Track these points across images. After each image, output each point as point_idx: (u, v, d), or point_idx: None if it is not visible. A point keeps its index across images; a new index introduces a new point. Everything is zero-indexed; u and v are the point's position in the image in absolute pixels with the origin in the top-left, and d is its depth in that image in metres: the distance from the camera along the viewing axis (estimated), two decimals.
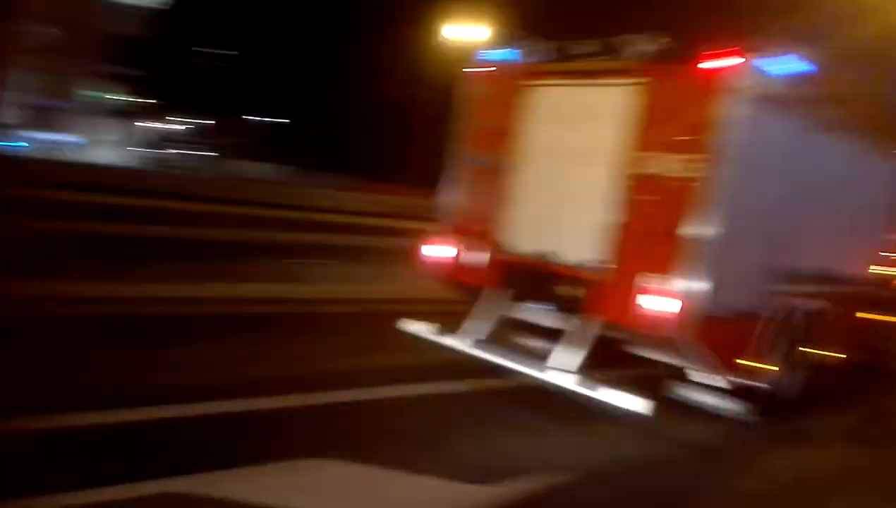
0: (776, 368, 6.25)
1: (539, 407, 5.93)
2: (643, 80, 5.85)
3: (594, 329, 5.84)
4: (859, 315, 8.02)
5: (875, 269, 8.24)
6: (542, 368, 5.86)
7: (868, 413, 7.60)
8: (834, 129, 6.65)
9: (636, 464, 5.17)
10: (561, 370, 5.69)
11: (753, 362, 5.98)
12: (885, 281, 8.42)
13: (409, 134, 35.39)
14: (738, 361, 5.85)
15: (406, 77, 35.80)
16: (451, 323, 6.58)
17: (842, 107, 6.75)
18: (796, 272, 6.50)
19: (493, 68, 6.98)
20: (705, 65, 5.49)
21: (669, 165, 5.61)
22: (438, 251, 7.03)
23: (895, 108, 8.43)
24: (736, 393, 5.95)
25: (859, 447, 6.43)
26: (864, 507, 5.10)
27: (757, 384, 6.06)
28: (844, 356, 7.49)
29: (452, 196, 7.12)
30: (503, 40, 7.08)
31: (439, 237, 7.06)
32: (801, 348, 6.67)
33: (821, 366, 7.05)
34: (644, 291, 5.47)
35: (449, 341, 6.45)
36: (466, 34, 34.39)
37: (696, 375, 5.90)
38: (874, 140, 7.56)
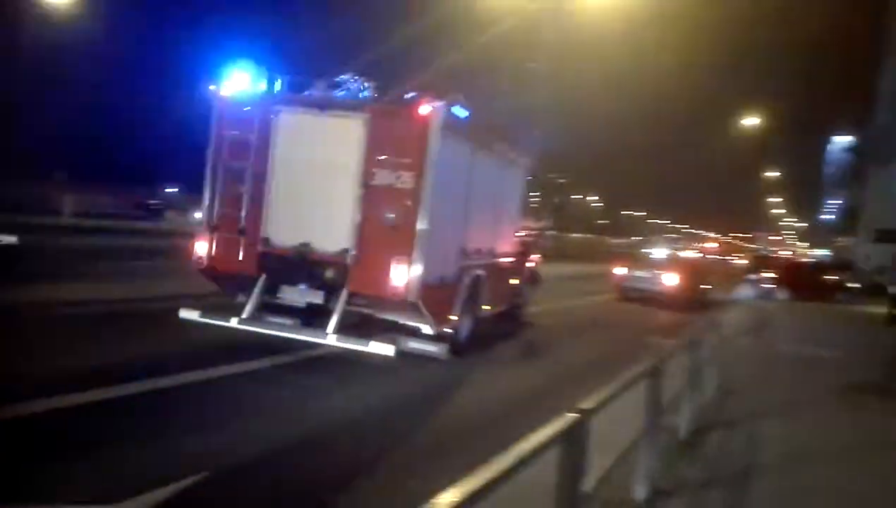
0: (458, 318, 9.22)
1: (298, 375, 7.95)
2: (369, 115, 8.18)
3: (345, 299, 8.05)
4: (508, 279, 11.68)
5: (512, 246, 11.97)
6: (307, 333, 7.90)
7: (518, 344, 11.37)
8: (486, 151, 9.89)
9: (347, 418, 6.46)
10: (323, 331, 7.78)
11: (453, 315, 8.87)
12: (517, 254, 12.24)
13: None
14: (446, 316, 8.66)
15: None
16: (225, 310, 8.18)
17: (488, 135, 10.04)
18: (472, 251, 9.59)
19: (241, 91, 8.62)
20: (418, 108, 8.04)
21: (392, 178, 8.07)
22: (202, 248, 8.47)
23: (514, 136, 12.31)
24: (440, 338, 8.72)
25: (524, 363, 10.14)
26: (542, 400, 8.25)
27: (451, 331, 8.95)
28: (499, 308, 11.02)
29: (212, 200, 8.59)
30: (247, 70, 8.68)
31: (202, 235, 8.50)
32: (474, 304, 9.82)
33: (486, 316, 10.38)
34: (383, 269, 7.86)
35: (222, 322, 8.01)
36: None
37: (420, 329, 8.52)
38: (507, 157, 11.14)
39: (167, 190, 60.41)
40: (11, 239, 13.15)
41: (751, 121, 41.75)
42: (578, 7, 24.01)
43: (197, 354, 7.74)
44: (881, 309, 21.57)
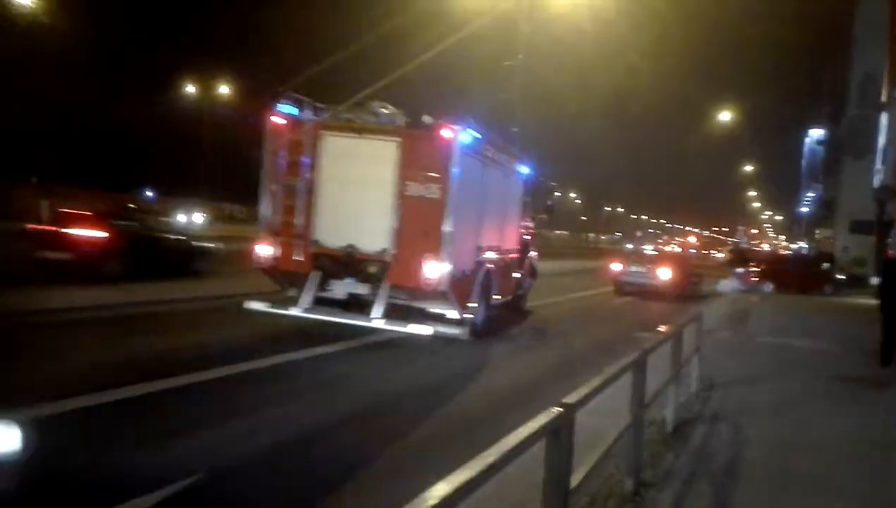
0: (476, 306, 11.37)
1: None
2: (401, 138, 10.29)
3: (387, 291, 10.15)
4: (512, 272, 13.87)
5: (514, 243, 14.15)
6: (359, 318, 9.99)
7: (525, 329, 13.58)
8: (492, 163, 12.06)
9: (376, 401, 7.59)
10: (371, 317, 9.89)
11: (472, 303, 11.02)
12: (519, 250, 14.43)
13: None
14: (468, 304, 10.80)
15: None
16: (285, 301, 10.29)
17: (494, 150, 12.20)
18: (484, 248, 11.75)
19: (290, 120, 10.68)
20: (441, 132, 10.16)
21: (423, 190, 10.18)
22: (265, 250, 10.53)
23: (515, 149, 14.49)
24: (463, 323, 10.82)
25: (533, 344, 12.25)
26: (547, 361, 10.41)
27: (471, 316, 11.09)
28: (506, 298, 13.21)
29: (269, 209, 10.65)
30: (293, 99, 10.76)
31: (264, 240, 10.56)
32: (487, 293, 11.97)
33: (495, 304, 12.56)
34: (418, 264, 9.97)
35: (286, 311, 10.08)
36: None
37: (446, 315, 10.63)
38: (508, 166, 13.33)
39: (145, 193, 61.93)
40: (220, 245, 17.23)
41: (725, 116, 44.21)
42: (549, 7, 25.68)
43: (268, 341, 9.83)
44: (868, 301, 20.70)
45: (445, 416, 7.26)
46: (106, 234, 14.66)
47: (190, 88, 59.49)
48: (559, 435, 3.08)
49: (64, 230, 14.29)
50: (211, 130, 56.30)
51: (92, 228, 14.51)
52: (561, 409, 3.10)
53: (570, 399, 3.29)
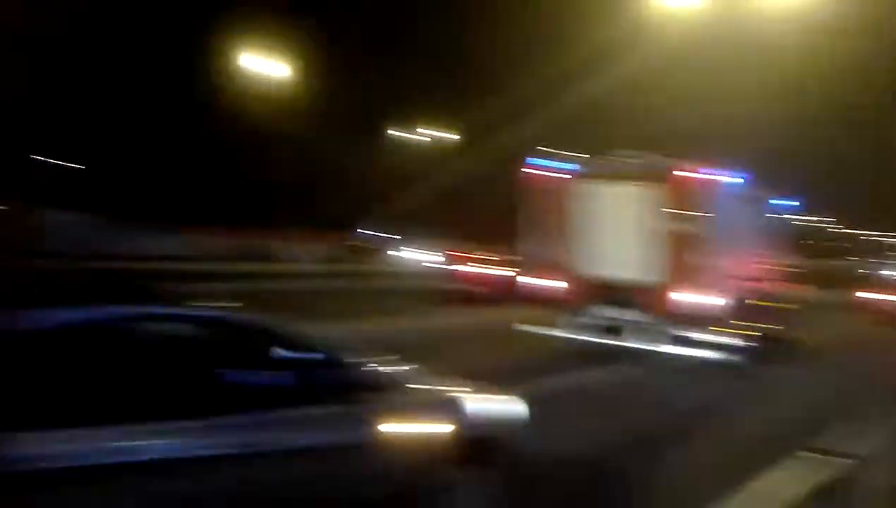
0: (748, 334, 11.74)
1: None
2: (655, 181, 11.27)
3: (656, 318, 11.07)
4: (777, 303, 13.93)
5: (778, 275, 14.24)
6: (643, 342, 11.09)
7: (795, 355, 13.34)
8: (750, 199, 12.55)
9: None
10: (658, 342, 10.99)
11: (744, 331, 11.46)
12: (783, 282, 14.35)
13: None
14: (740, 332, 11.30)
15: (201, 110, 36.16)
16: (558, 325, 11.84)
17: (748, 187, 12.67)
18: (751, 278, 12.25)
19: (551, 172, 12.09)
20: (696, 175, 11.03)
21: (684, 227, 11.00)
22: (536, 282, 12.23)
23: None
24: (739, 350, 11.23)
25: (807, 371, 12.28)
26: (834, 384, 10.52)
27: (745, 343, 11.47)
28: (774, 329, 13.38)
29: (534, 248, 12.26)
30: (556, 154, 12.25)
31: (533, 273, 12.24)
32: (756, 323, 12.22)
33: (765, 335, 12.68)
34: (687, 295, 10.78)
35: (565, 334, 11.56)
36: (263, 65, 36.92)
37: (719, 341, 11.15)
38: (764, 201, 13.62)
39: (365, 232, 65.15)
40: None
41: None
42: (753, 18, 24.81)
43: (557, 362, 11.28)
44: None
45: (729, 443, 7.46)
46: (512, 274, 18.98)
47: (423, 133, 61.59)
48: (833, 493, 2.47)
49: (481, 271, 21.34)
50: (436, 171, 57.96)
51: (502, 268, 20.46)
52: (838, 458, 2.52)
53: (849, 447, 2.69)
